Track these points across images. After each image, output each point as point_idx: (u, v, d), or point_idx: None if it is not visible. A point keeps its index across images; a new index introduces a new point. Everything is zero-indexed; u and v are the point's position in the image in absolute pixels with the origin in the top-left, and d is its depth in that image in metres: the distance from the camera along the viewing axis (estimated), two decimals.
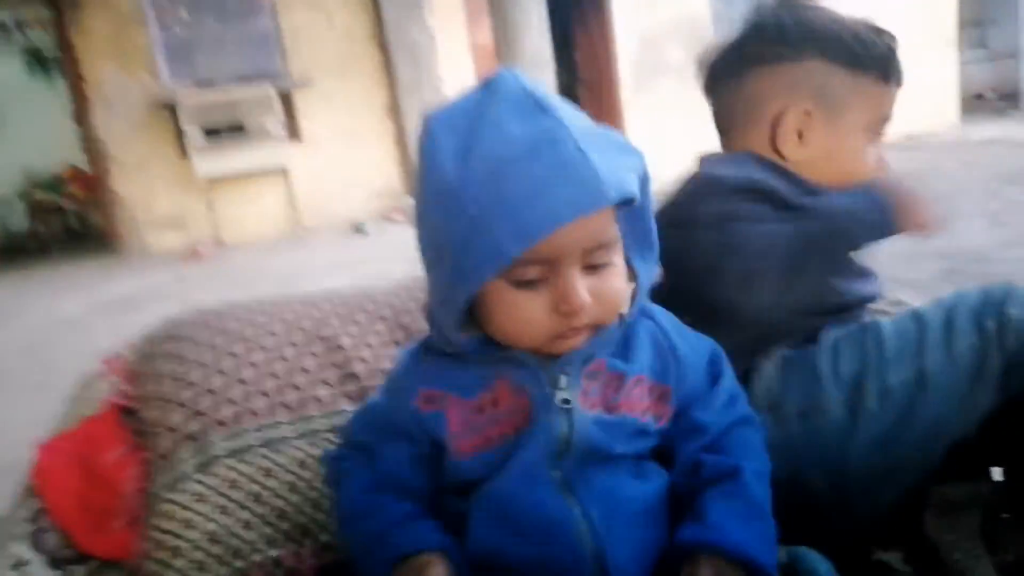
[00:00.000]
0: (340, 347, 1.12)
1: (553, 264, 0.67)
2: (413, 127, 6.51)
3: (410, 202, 5.13)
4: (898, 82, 1.02)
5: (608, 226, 0.69)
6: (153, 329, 1.28)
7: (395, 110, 6.65)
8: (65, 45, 6.33)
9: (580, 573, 0.69)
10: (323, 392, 1.06)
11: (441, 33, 6.36)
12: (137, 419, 1.12)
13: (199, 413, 1.02)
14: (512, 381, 0.73)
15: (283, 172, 6.40)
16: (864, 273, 1.03)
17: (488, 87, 0.69)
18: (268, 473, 0.97)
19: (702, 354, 0.80)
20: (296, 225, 6.53)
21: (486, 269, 0.65)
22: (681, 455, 0.77)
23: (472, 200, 0.64)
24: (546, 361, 0.72)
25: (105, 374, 1.29)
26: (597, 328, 0.72)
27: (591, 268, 0.69)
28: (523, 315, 0.68)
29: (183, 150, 6.29)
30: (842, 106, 1.00)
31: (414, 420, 0.76)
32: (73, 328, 4.49)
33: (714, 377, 0.80)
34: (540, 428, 0.71)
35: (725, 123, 1.09)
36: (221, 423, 1.01)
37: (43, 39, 7.98)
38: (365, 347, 1.12)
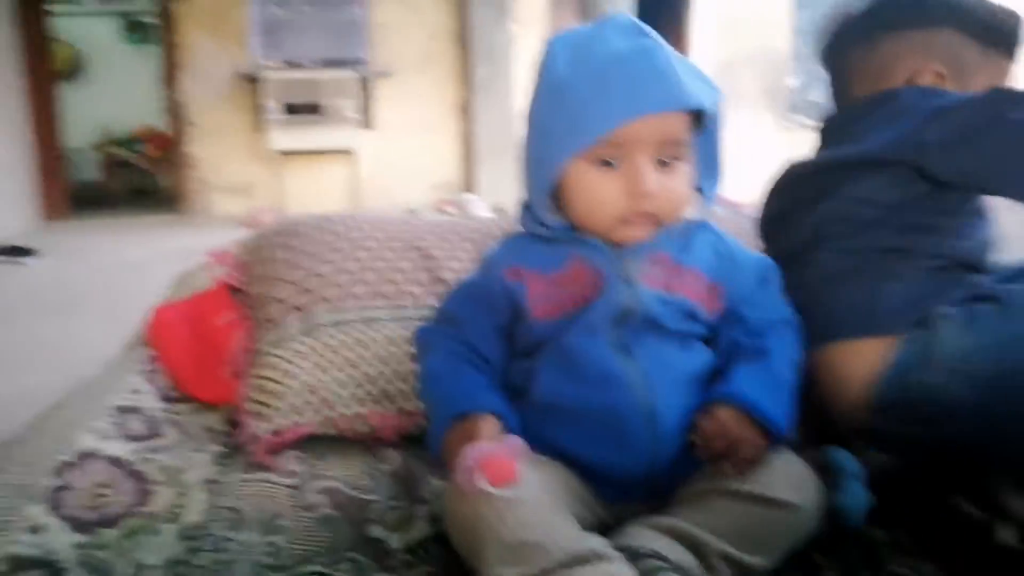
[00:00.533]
0: (432, 257, 1.24)
1: (630, 149, 0.80)
2: (482, 126, 6.69)
3: (465, 197, 5.23)
4: (1016, 59, 1.11)
5: (681, 128, 0.81)
6: (263, 229, 1.42)
7: (466, 109, 6.83)
8: (165, 12, 6.63)
9: (633, 419, 0.80)
10: (416, 290, 1.18)
11: (521, 39, 6.53)
12: (245, 297, 1.25)
13: (307, 290, 1.15)
14: (587, 261, 0.85)
15: (351, 154, 6.61)
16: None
17: (603, 19, 0.85)
18: (363, 344, 1.09)
19: (756, 263, 0.92)
20: (355, 204, 6.73)
21: (581, 141, 0.79)
22: (723, 338, 0.87)
23: (577, 91, 0.80)
24: (617, 248, 0.84)
25: (208, 266, 1.43)
26: (659, 223, 0.83)
27: (661, 164, 0.81)
28: (599, 194, 0.82)
29: (260, 122, 6.54)
30: (970, 74, 1.08)
31: (501, 289, 0.88)
32: (136, 270, 4.69)
33: (763, 282, 0.91)
34: (607, 297, 0.83)
35: (849, 86, 1.15)
36: (325, 300, 1.14)
37: (143, 4, 8.36)
38: (454, 260, 1.25)
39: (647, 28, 0.83)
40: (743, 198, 1.39)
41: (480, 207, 6.32)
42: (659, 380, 0.81)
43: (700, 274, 0.87)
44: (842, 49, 1.17)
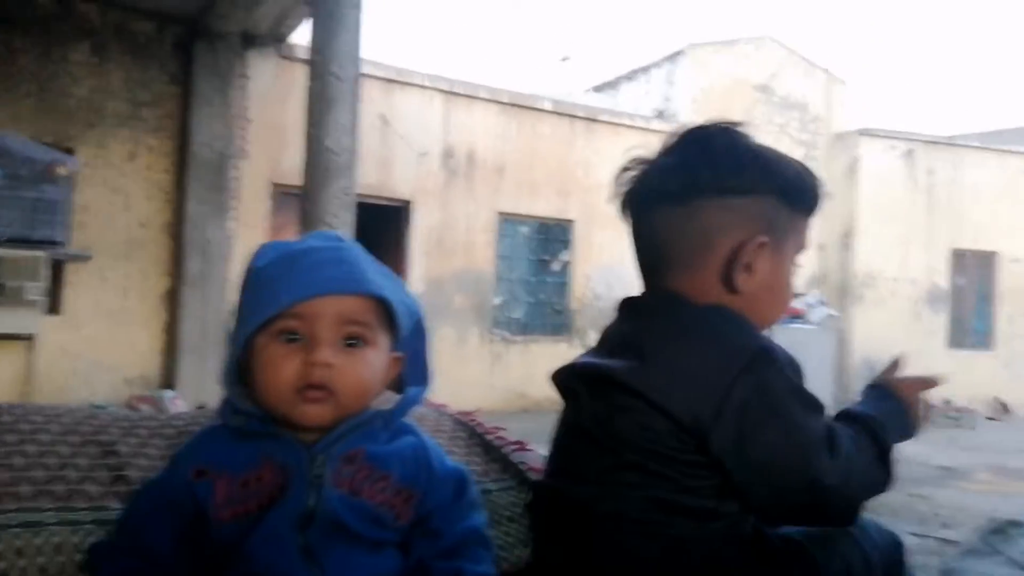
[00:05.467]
0: (116, 452, 1.15)
1: (311, 324, 0.85)
2: (189, 320, 6.39)
3: (163, 394, 4.91)
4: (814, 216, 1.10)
5: (360, 311, 0.88)
6: None
7: (173, 301, 6.53)
8: None
9: None
10: (92, 488, 1.07)
11: (241, 237, 6.51)
12: None
13: None
14: (276, 460, 0.85)
15: (29, 341, 5.91)
16: None
17: (311, 233, 0.95)
18: (20, 553, 0.95)
19: (452, 473, 0.94)
20: (25, 399, 5.94)
21: (264, 314, 0.85)
22: (415, 553, 0.89)
23: (268, 276, 0.87)
24: (310, 444, 0.86)
25: None
26: (339, 405, 0.86)
27: (347, 346, 0.87)
28: (278, 363, 0.85)
29: None
30: (784, 239, 1.05)
31: (185, 490, 0.86)
32: None
33: (458, 494, 0.94)
34: (291, 498, 0.83)
35: (663, 251, 1.05)
36: None
37: None
38: (142, 457, 1.16)
39: (348, 238, 0.92)
40: (448, 402, 1.48)
41: (180, 405, 5.89)
42: None
43: (390, 480, 0.88)
44: (651, 208, 1.06)
